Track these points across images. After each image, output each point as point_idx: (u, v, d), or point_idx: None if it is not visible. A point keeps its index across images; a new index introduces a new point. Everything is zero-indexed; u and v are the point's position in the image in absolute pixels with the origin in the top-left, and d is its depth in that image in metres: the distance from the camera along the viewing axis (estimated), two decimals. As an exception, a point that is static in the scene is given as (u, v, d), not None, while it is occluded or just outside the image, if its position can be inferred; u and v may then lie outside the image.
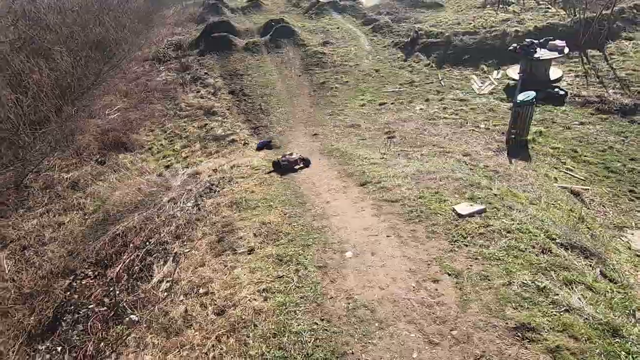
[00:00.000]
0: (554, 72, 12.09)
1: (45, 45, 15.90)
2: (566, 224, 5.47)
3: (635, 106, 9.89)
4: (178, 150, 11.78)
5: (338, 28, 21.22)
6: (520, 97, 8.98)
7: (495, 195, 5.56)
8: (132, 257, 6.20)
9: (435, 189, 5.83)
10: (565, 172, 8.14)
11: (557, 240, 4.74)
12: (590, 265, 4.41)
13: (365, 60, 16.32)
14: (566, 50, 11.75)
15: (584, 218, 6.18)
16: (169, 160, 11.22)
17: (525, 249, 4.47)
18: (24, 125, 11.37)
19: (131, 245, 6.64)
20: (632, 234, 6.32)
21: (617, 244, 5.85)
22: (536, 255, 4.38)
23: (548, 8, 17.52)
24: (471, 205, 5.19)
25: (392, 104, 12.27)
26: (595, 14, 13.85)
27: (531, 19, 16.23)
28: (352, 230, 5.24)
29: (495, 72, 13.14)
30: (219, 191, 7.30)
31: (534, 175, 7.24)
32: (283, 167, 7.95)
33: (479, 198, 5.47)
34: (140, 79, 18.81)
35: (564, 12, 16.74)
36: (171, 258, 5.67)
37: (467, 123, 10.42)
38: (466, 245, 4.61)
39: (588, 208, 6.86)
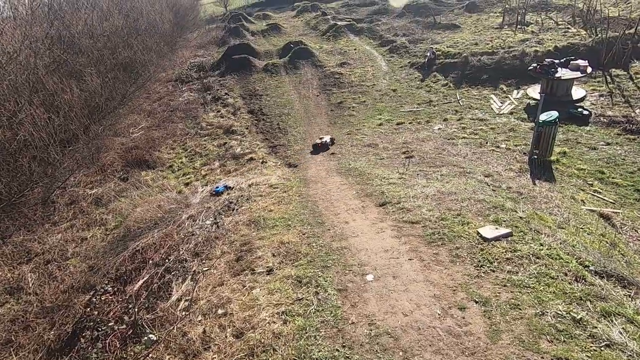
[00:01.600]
0: (577, 92, 11.83)
1: (77, 67, 16.72)
2: (598, 250, 5.18)
3: (665, 126, 9.51)
4: (198, 168, 11.97)
5: (355, 49, 21.58)
6: (543, 117, 8.79)
7: (521, 218, 5.34)
8: (151, 274, 6.20)
9: (457, 211, 5.65)
10: (593, 195, 7.80)
11: (590, 268, 4.47)
12: (629, 296, 4.11)
13: (382, 80, 16.43)
14: (589, 69, 11.52)
15: (616, 244, 5.86)
16: (189, 178, 11.39)
17: (557, 276, 4.22)
18: (54, 143, 11.82)
19: (150, 262, 6.66)
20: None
21: (654, 272, 5.47)
22: (569, 283, 4.13)
23: (567, 28, 17.37)
24: (496, 228, 4.97)
25: (409, 123, 12.21)
26: (617, 34, 13.63)
27: (550, 39, 16.09)
28: (372, 252, 5.09)
29: (515, 91, 12.96)
30: (237, 209, 7.31)
31: (560, 198, 6.96)
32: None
33: (504, 221, 5.26)
34: (163, 99, 19.46)
35: (585, 32, 16.55)
36: (190, 276, 5.64)
37: (487, 143, 10.22)
38: (493, 271, 4.40)
39: (619, 233, 6.50)
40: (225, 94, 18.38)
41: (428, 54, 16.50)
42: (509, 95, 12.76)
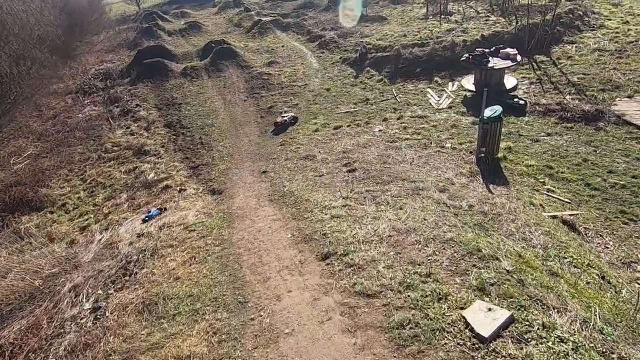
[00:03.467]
0: (509, 81, 11.44)
1: None
2: (619, 320, 3.88)
3: (597, 112, 9.30)
4: (100, 204, 9.49)
5: (283, 46, 19.84)
6: (487, 112, 7.96)
7: (508, 272, 4.02)
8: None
9: (425, 267, 4.18)
10: (548, 195, 7.12)
11: None
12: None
13: (314, 79, 14.97)
14: (519, 57, 11.14)
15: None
16: (87, 220, 8.91)
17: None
18: None
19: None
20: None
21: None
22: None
23: (488, 17, 17.38)
24: (489, 309, 3.47)
25: (348, 126, 10.91)
26: (534, 20, 13.64)
27: (474, 28, 15.87)
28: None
29: (450, 84, 12.31)
30: (136, 273, 5.34)
31: (522, 209, 6.07)
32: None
33: (491, 284, 3.86)
34: (59, 116, 16.01)
35: (504, 20, 16.65)
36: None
37: (431, 143, 9.26)
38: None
39: (587, 242, 5.77)
40: (137, 105, 15.58)
41: (359, 49, 15.37)
42: (445, 89, 12.06)
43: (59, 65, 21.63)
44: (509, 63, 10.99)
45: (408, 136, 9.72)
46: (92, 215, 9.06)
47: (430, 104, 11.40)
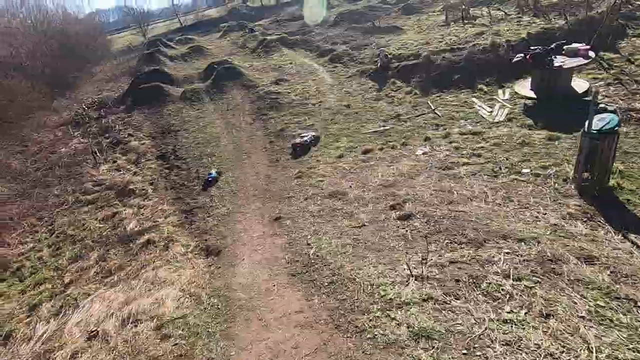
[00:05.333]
0: (577, 84, 8.89)
1: None
2: None
3: None
4: (63, 269, 7.01)
5: (291, 63, 17.72)
6: (597, 123, 5.38)
7: None
8: None
9: None
10: None
11: None
12: None
13: (329, 95, 12.63)
14: (591, 54, 8.63)
15: None
16: (42, 293, 6.42)
17: None
18: None
19: None
20: None
21: None
22: None
23: (520, 17, 15.04)
24: None
25: (380, 149, 8.41)
26: (592, 13, 11.21)
27: (508, 30, 13.51)
28: None
29: (500, 91, 9.78)
30: None
31: None
32: None
33: None
34: (44, 151, 13.92)
35: (539, 20, 14.27)
36: None
37: (500, 169, 6.66)
38: None
39: None
40: (129, 134, 13.39)
41: (379, 58, 13.08)
42: (496, 97, 9.53)
43: (53, 98, 19.86)
44: (580, 61, 8.46)
45: (466, 160, 7.14)
46: (49, 286, 6.56)
47: (481, 116, 8.86)
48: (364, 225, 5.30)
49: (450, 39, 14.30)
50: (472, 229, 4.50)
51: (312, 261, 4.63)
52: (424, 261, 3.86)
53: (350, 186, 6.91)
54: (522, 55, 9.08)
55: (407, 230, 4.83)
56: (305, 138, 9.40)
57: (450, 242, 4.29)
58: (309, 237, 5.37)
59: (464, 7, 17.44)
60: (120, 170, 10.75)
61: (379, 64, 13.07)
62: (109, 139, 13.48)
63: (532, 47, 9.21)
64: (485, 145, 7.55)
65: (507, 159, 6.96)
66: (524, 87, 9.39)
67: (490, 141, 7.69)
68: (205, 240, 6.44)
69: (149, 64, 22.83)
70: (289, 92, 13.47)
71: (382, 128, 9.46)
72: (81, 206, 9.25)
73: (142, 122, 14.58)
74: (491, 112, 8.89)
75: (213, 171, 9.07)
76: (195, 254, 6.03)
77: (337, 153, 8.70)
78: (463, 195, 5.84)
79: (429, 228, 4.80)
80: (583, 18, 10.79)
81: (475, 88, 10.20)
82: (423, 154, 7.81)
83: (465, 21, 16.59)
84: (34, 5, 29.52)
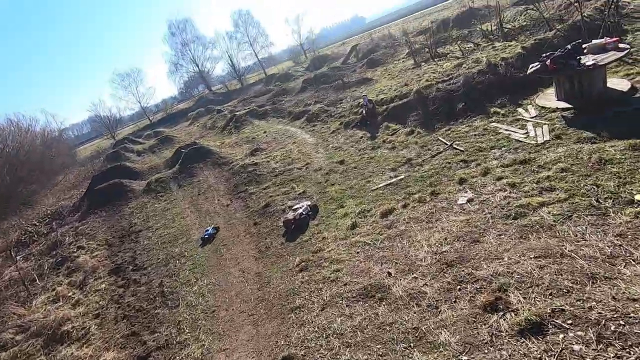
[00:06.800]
0: (618, 83, 7.23)
1: None
2: None
3: None
4: None
5: (265, 132, 16.10)
6: None
7: None
8: None
9: None
10: None
11: None
12: None
13: (316, 154, 10.61)
14: (623, 45, 7.12)
15: None
16: None
17: None
18: None
19: None
20: None
21: None
22: None
23: (492, 44, 14.34)
24: None
25: (404, 206, 6.05)
26: (578, 15, 10.27)
27: (486, 56, 12.52)
28: None
29: (522, 110, 7.98)
30: None
31: None
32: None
33: None
34: (-32, 291, 10.69)
35: (513, 42, 13.53)
36: None
37: (598, 201, 4.36)
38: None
39: None
40: (79, 247, 10.57)
41: (363, 104, 11.49)
42: (521, 117, 7.68)
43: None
44: (615, 54, 6.86)
45: (538, 198, 4.83)
46: None
47: (516, 140, 6.85)
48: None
49: (429, 76, 13.15)
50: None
51: None
52: None
53: (389, 273, 4.34)
54: (539, 63, 7.49)
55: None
56: (300, 210, 6.99)
57: None
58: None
59: (430, 47, 16.98)
60: (59, 301, 7.75)
61: (363, 112, 11.43)
62: (55, 257, 10.58)
63: (544, 55, 7.69)
64: (551, 174, 5.34)
65: (596, 187, 4.71)
66: (549, 100, 7.67)
67: (551, 167, 5.51)
68: None
69: (113, 162, 20.85)
70: (268, 161, 11.39)
71: (395, 179, 7.23)
72: (-13, 375, 6.07)
73: (98, 228, 11.88)
74: (526, 133, 6.93)
75: (210, 228, 8.40)
76: None
77: (346, 222, 6.25)
78: (591, 258, 3.38)
79: (595, 348, 2.23)
80: (581, 19, 9.72)
81: (488, 113, 8.42)
82: (468, 201, 5.48)
83: (436, 59, 15.92)
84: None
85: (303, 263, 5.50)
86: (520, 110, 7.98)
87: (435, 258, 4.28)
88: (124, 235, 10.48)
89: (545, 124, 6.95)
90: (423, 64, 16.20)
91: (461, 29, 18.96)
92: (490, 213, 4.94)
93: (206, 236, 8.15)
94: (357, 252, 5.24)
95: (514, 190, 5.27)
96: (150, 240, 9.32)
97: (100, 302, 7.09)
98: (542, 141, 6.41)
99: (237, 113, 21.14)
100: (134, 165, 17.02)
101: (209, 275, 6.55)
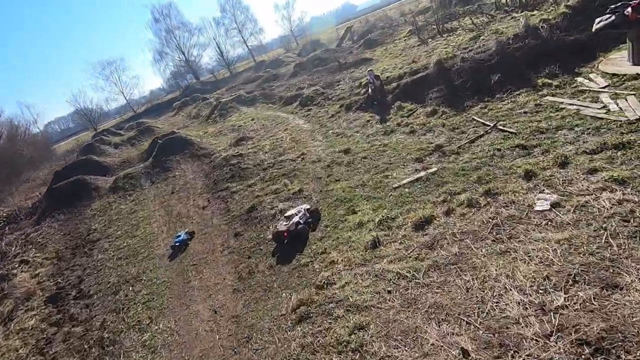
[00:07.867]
0: None
1: None
2: None
3: None
4: None
5: (253, 119, 13.93)
6: None
7: None
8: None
9: None
10: None
11: None
12: None
13: (313, 142, 8.55)
14: None
15: None
16: None
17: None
18: None
19: None
20: None
21: None
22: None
23: (509, 15, 12.31)
24: None
25: (447, 212, 4.09)
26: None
27: (508, 27, 10.50)
28: None
29: (580, 79, 6.01)
30: None
31: None
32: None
33: None
34: None
35: (539, 11, 11.50)
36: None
37: None
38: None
39: None
40: (22, 262, 8.42)
41: (369, 81, 9.40)
42: (587, 86, 5.71)
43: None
44: None
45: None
46: None
47: (591, 117, 4.89)
48: None
49: (441, 50, 11.10)
50: None
51: None
52: None
53: (464, 351, 2.35)
54: (611, 13, 5.50)
55: None
56: (295, 218, 4.94)
57: None
58: None
59: (437, 23, 14.89)
60: (-28, 345, 5.66)
61: (368, 91, 9.36)
62: (-8, 274, 8.42)
63: (612, 6, 5.70)
64: (680, 163, 3.40)
65: None
66: (619, 65, 5.72)
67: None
68: None
69: (85, 156, 18.46)
70: (255, 152, 9.30)
71: (423, 172, 5.23)
72: None
73: (51, 235, 9.72)
74: (604, 107, 4.96)
75: (182, 233, 6.46)
76: None
77: (363, 237, 4.26)
78: None
79: None
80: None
81: (535, 84, 6.43)
82: (553, 206, 3.53)
83: (445, 34, 13.86)
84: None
85: (303, 307, 3.50)
86: (580, 79, 6.01)
87: (546, 319, 2.31)
88: (77, 245, 8.37)
89: (630, 94, 5.00)
90: (430, 40, 14.15)
91: (466, 5, 16.83)
92: (604, 228, 2.99)
93: (177, 243, 6.15)
94: (389, 291, 3.26)
95: (629, 190, 3.32)
96: (106, 254, 7.23)
97: (21, 351, 5.02)
98: (638, 116, 4.46)
99: (223, 100, 18.84)
100: (103, 160, 14.75)
101: (167, 314, 4.53)
